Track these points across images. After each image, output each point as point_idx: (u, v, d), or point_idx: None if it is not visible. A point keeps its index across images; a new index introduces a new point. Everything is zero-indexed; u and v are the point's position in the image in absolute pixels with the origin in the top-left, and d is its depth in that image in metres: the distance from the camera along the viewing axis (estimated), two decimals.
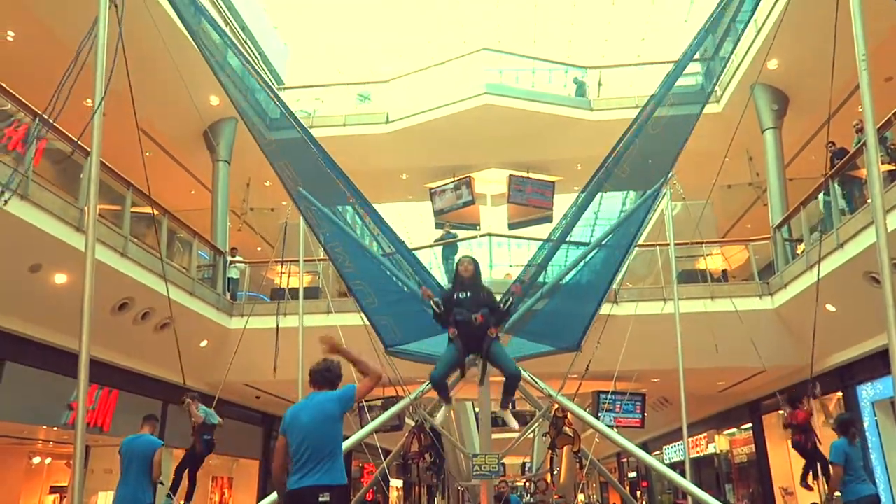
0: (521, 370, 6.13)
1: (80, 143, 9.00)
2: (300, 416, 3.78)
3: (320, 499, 3.51)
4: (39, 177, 8.38)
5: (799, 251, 11.80)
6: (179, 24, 7.29)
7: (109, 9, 4.88)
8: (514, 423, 5.55)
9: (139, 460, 6.12)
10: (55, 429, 10.28)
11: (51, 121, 8.51)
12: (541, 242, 7.50)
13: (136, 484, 6.04)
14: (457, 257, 13.71)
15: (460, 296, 5.40)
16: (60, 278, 8.84)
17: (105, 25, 4.82)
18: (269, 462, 16.91)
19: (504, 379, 5.68)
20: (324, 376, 3.94)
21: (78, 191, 9.10)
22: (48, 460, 13.54)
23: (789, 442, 8.05)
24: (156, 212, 11.59)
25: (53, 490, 13.89)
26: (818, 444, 7.83)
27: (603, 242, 6.98)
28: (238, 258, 14.10)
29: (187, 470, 7.94)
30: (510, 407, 5.81)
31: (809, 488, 7.90)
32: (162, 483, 7.15)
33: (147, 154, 13.67)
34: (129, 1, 5.26)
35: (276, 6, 18.98)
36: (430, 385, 6.45)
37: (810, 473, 7.86)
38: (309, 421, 3.72)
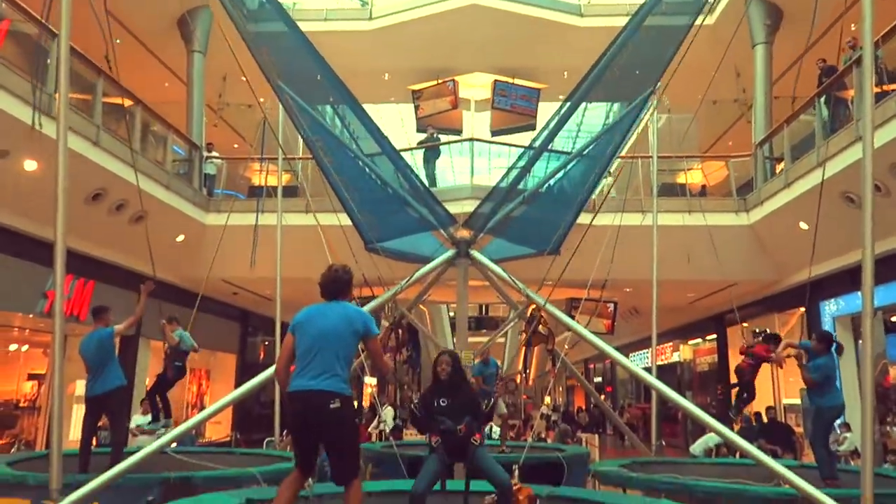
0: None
1: (47, 24, 8.59)
2: (317, 319, 3.66)
3: (331, 405, 3.44)
4: (4, 59, 8.00)
5: (778, 170, 11.88)
6: None
7: None
8: None
9: (101, 353, 6.17)
10: (31, 316, 10.30)
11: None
12: (523, 149, 7.43)
13: (107, 370, 6.12)
14: (438, 162, 13.63)
15: (441, 402, 4.78)
16: (30, 165, 8.60)
17: None
18: (246, 356, 17.35)
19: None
20: (334, 289, 3.80)
21: (46, 77, 8.70)
22: (25, 347, 13.64)
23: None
24: (129, 102, 11.22)
25: (31, 377, 14.07)
26: (753, 381, 8.28)
27: (585, 152, 6.95)
28: (214, 154, 13.80)
29: (158, 394, 7.94)
30: None
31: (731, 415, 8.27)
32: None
33: (117, 42, 13.09)
34: None
35: None
36: (408, 281, 6.50)
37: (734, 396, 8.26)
38: (328, 326, 3.62)
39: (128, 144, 10.35)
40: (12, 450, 8.49)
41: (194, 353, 7.96)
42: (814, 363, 6.44)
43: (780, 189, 11.01)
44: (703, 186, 13.85)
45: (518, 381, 10.43)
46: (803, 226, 10.61)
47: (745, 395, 8.18)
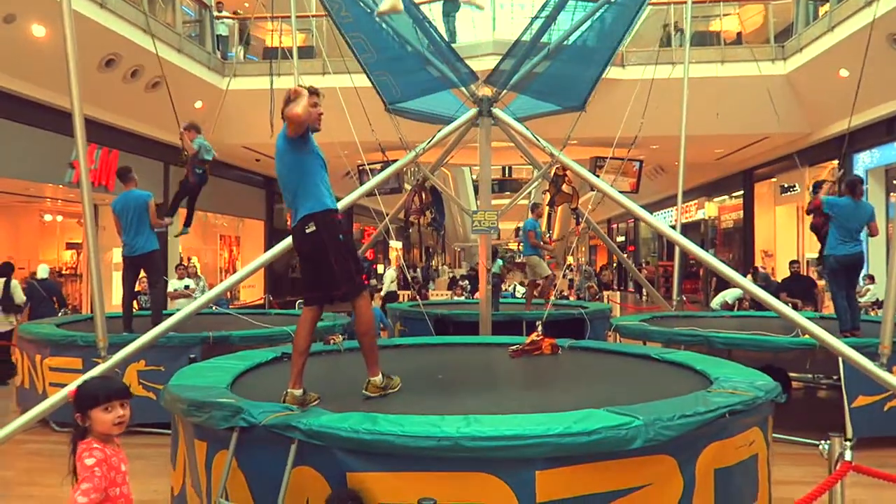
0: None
1: None
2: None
3: (307, 230, 3.33)
4: None
5: (822, 12, 11.12)
6: None
7: None
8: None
9: (136, 213, 6.27)
10: (61, 187, 10.47)
11: None
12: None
13: (141, 234, 6.25)
14: (458, 15, 12.96)
15: None
16: (39, 30, 8.36)
17: None
18: (273, 222, 17.65)
19: None
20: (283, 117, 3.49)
21: None
22: (59, 218, 14.02)
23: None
24: None
25: (70, 246, 14.58)
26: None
27: None
28: (224, 13, 13.27)
29: (186, 200, 7.52)
30: None
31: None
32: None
33: None
34: None
35: None
36: (430, 142, 6.40)
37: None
38: (276, 158, 3.46)
39: (135, 5, 9.98)
40: (59, 314, 8.94)
41: (214, 160, 7.79)
42: (827, 197, 6.27)
43: (823, 33, 10.36)
44: (739, 34, 13.08)
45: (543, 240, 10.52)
46: (844, 73, 10.08)
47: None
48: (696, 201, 20.12)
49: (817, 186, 7.43)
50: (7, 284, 8.49)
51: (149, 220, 6.30)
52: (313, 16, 11.51)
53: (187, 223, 7.54)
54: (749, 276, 12.01)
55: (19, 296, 8.59)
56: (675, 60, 11.16)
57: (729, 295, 10.43)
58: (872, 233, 6.12)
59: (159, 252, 6.56)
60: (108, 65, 9.62)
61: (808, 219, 6.76)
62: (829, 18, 10.27)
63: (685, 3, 10.48)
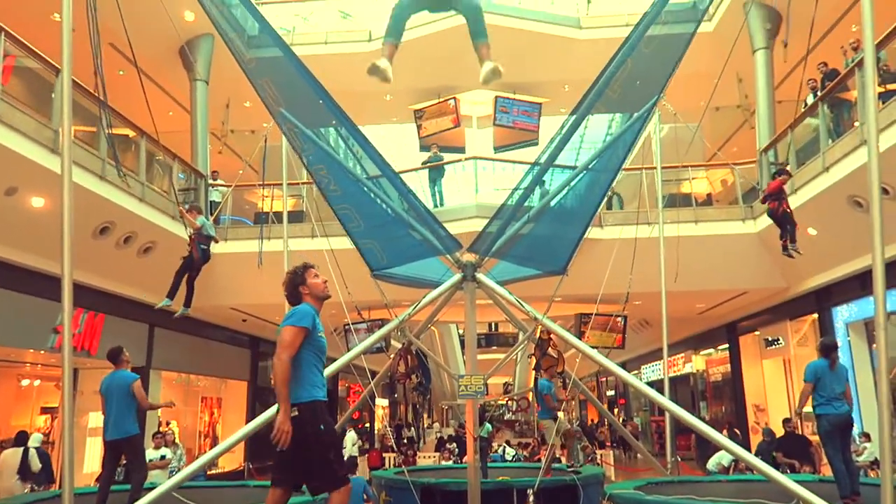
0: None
1: (50, 60, 8.71)
2: None
3: (291, 415, 3.54)
4: (9, 97, 8.09)
5: None
6: None
7: None
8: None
9: (119, 395, 6.15)
10: (42, 352, 10.33)
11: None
12: (527, 166, 7.41)
13: (121, 417, 6.08)
14: (443, 181, 13.67)
15: None
16: (38, 202, 8.66)
17: None
18: (257, 382, 17.31)
19: (468, 25, 4.78)
20: (288, 293, 3.91)
21: (50, 111, 8.80)
22: (37, 382, 13.67)
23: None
24: (133, 133, 11.32)
25: (44, 410, 14.08)
26: (788, 209, 8.72)
27: (590, 166, 6.91)
28: (219, 181, 13.88)
29: (186, 277, 7.88)
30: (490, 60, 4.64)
31: (789, 254, 8.67)
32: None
33: (120, 73, 13.25)
34: None
35: None
36: (415, 308, 6.48)
37: (787, 239, 8.65)
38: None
39: (134, 176, 10.45)
40: (26, 488, 8.49)
41: (216, 242, 7.86)
42: (807, 365, 6.39)
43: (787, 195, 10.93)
44: (709, 195, 13.80)
45: (529, 398, 10.36)
46: (812, 231, 10.53)
47: (787, 227, 8.67)
48: (682, 354, 20.12)
49: (777, 174, 8.08)
50: (25, 453, 8.41)
51: (131, 403, 6.14)
52: (303, 183, 12.07)
53: (187, 304, 7.54)
54: (724, 431, 11.77)
55: (35, 463, 8.49)
56: (650, 221, 11.67)
57: (725, 458, 10.10)
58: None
59: (140, 437, 6.37)
60: (103, 232, 9.88)
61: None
62: (791, 182, 10.90)
63: (655, 168, 11.16)
